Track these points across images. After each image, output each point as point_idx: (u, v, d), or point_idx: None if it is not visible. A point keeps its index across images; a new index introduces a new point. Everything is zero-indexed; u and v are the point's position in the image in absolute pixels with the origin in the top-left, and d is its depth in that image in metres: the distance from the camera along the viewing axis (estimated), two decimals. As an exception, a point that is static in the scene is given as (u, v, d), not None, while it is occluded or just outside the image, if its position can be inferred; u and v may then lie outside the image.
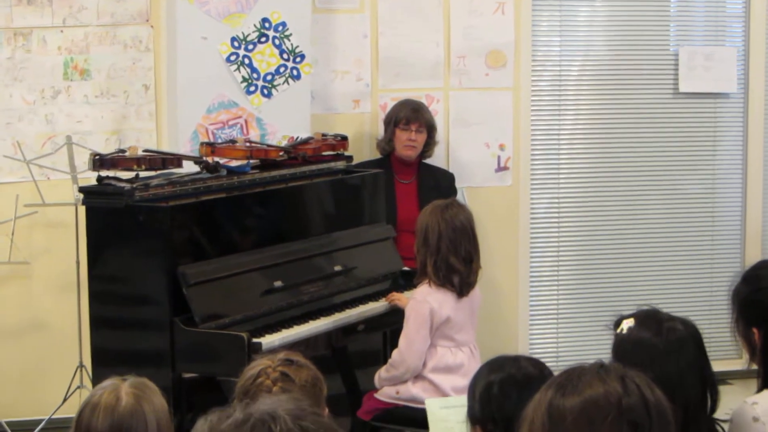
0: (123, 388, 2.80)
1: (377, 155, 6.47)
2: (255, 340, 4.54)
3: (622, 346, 3.17)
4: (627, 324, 3.20)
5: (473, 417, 3.00)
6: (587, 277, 7.09)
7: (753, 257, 7.05)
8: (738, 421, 3.17)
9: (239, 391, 3.02)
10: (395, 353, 4.91)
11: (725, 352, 6.77)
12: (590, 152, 7.05)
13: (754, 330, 3.38)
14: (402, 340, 4.88)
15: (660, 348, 3.10)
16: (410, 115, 6.29)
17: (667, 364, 2.99)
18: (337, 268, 5.30)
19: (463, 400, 4.32)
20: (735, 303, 3.46)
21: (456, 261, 4.83)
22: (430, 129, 6.36)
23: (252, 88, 6.15)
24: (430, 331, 4.85)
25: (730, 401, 3.34)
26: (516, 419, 2.30)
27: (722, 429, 3.25)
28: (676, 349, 3.10)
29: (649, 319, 3.19)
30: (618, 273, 7.11)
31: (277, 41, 6.18)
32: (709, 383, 3.17)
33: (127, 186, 4.72)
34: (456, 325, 4.89)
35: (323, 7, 6.53)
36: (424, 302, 4.84)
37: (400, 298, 5.33)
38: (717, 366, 6.98)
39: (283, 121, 6.19)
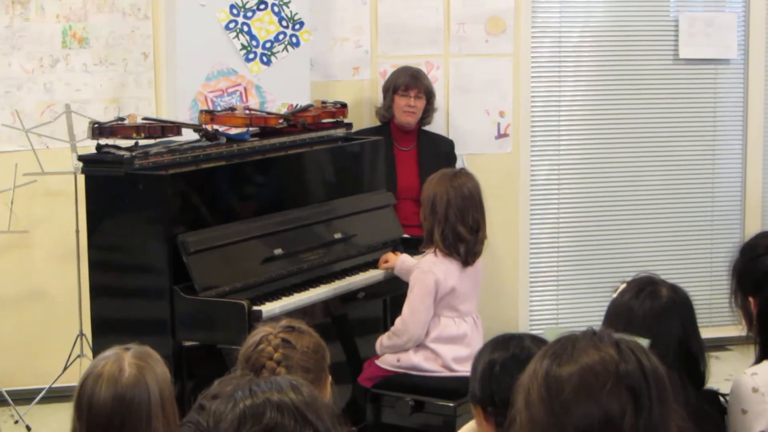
0: (126, 359, 2.78)
1: (377, 122, 6.45)
2: (255, 307, 4.53)
3: (609, 311, 3.17)
4: (620, 288, 3.20)
5: (474, 397, 2.87)
6: (587, 245, 7.08)
7: (752, 222, 7.07)
8: (737, 392, 3.16)
9: (241, 358, 3.02)
10: (398, 321, 4.90)
11: (724, 319, 6.77)
12: (590, 119, 7.03)
13: (750, 299, 3.38)
14: (406, 309, 4.87)
15: (638, 314, 3.10)
16: (409, 81, 6.27)
17: (643, 330, 2.90)
18: (337, 235, 5.29)
19: None
20: (733, 275, 3.46)
21: (463, 230, 4.81)
22: (429, 95, 6.34)
23: (251, 56, 6.13)
24: (434, 302, 4.84)
25: (730, 367, 3.35)
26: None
27: (725, 400, 3.25)
28: (654, 316, 3.09)
29: (637, 284, 3.18)
30: (618, 240, 7.11)
31: (276, 8, 6.16)
32: (695, 354, 3.16)
33: (127, 154, 4.69)
34: (460, 296, 4.88)
35: (322, -26, 6.51)
36: (429, 272, 4.82)
37: (387, 258, 5.30)
38: (717, 332, 6.99)
39: (283, 88, 6.17)
